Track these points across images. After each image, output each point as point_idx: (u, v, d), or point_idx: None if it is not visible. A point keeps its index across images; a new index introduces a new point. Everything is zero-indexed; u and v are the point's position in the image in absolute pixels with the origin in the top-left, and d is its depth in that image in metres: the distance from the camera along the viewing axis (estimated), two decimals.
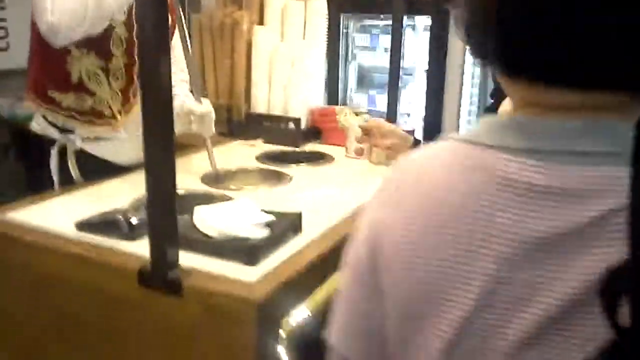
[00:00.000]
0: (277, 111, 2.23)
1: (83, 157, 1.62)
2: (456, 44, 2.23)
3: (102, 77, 1.52)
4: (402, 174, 0.57)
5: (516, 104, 0.53)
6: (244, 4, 2.24)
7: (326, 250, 1.24)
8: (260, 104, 2.25)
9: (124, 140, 1.67)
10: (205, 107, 1.65)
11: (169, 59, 0.95)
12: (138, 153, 1.64)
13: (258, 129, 2.19)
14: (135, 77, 1.56)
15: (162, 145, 0.99)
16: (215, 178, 1.69)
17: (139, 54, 0.96)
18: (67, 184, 1.59)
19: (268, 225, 1.21)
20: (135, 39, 1.52)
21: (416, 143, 1.72)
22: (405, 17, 2.15)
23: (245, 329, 0.99)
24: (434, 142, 0.57)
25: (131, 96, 1.56)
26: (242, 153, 2.07)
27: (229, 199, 1.50)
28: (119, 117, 1.57)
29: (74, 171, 1.60)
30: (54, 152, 1.61)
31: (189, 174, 1.70)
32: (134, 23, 1.49)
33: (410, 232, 0.52)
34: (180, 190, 1.55)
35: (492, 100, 1.49)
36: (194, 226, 1.17)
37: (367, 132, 1.81)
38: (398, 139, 1.76)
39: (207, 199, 1.47)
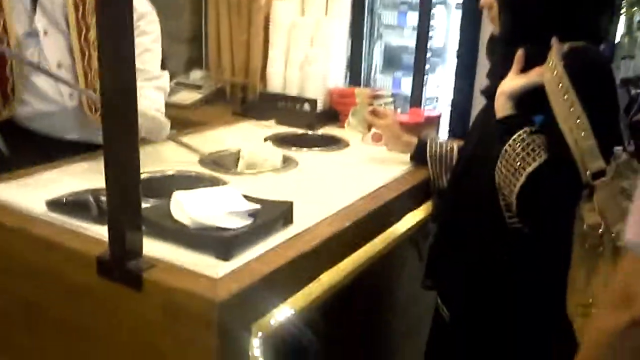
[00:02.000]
0: (293, 91, 2.10)
1: (13, 129, 1.52)
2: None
3: None
4: None
5: None
6: None
7: (316, 244, 1.12)
8: (275, 83, 2.13)
9: (67, 114, 1.56)
10: (147, 108, 1.47)
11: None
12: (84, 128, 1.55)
13: (272, 109, 2.07)
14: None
15: (124, 124, 0.88)
16: (215, 160, 1.58)
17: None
18: None
19: (252, 215, 1.10)
20: None
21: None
22: None
23: (206, 330, 0.88)
24: None
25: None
26: (252, 134, 1.96)
27: (222, 182, 1.39)
28: None
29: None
30: None
31: (189, 154, 1.61)
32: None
33: None
34: (169, 171, 1.47)
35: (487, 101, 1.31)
36: (169, 213, 1.07)
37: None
38: (401, 147, 1.65)
39: (196, 181, 1.37)
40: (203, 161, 1.57)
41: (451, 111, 2.10)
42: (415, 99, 2.05)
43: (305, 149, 1.78)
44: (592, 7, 1.16)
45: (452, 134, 2.07)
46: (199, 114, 2.20)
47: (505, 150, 1.09)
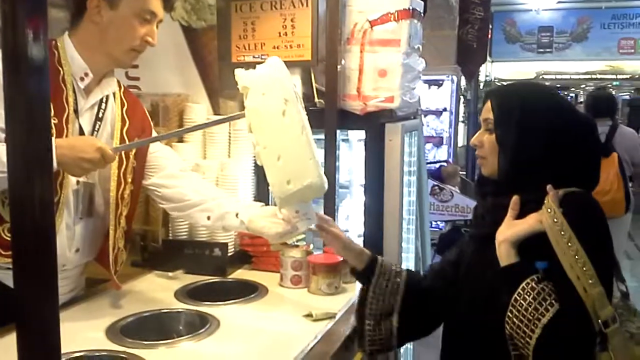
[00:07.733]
0: (201, 236, 1.97)
1: None
2: (392, 156, 2.11)
3: None
4: None
5: None
6: (162, 122, 2.04)
7: None
8: (181, 229, 1.98)
9: None
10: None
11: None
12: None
13: (178, 257, 1.91)
14: None
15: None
16: (125, 330, 1.37)
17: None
18: None
19: None
20: None
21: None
22: (338, 131, 2.03)
23: None
24: None
25: None
26: (159, 289, 1.77)
27: None
28: None
29: None
30: None
31: (94, 320, 1.39)
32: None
33: None
34: (77, 353, 1.24)
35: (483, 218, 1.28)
36: None
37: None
38: (352, 257, 1.41)
39: None
40: (110, 332, 1.36)
41: (363, 242, 2.08)
42: None
43: (222, 303, 1.63)
44: (586, 155, 1.22)
45: None
46: (92, 268, 1.96)
47: (516, 300, 1.07)
